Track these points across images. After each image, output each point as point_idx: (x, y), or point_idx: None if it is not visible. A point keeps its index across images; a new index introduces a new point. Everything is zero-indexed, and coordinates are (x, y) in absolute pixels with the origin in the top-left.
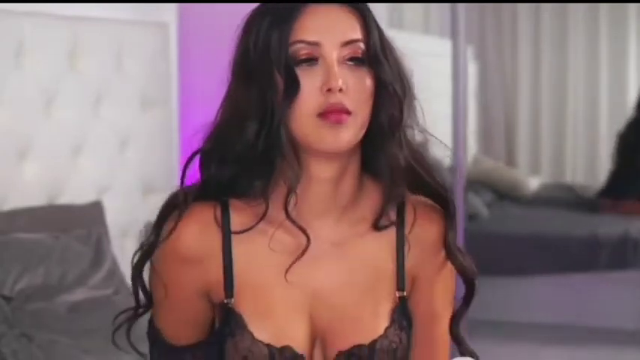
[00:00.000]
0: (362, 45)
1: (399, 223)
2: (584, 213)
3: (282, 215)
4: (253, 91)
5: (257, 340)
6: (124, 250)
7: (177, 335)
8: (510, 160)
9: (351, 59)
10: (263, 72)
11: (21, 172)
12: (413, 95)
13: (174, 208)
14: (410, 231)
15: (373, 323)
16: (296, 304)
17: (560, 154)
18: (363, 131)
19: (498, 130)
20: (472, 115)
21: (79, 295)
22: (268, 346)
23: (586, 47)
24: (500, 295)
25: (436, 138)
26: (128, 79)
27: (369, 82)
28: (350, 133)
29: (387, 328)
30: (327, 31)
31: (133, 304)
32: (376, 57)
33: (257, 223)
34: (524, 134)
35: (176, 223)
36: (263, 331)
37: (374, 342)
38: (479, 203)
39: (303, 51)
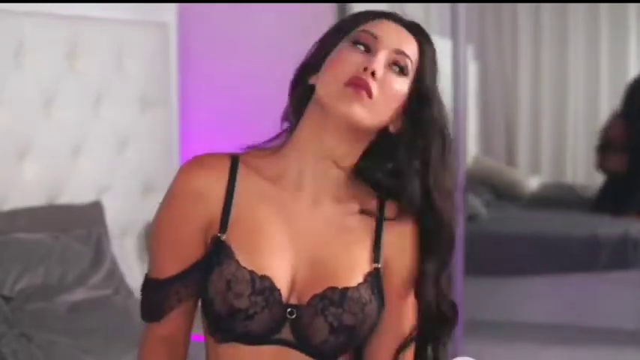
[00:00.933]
0: (410, 63)
1: (380, 213)
2: (584, 213)
3: (283, 175)
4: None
5: (241, 266)
6: (123, 250)
7: (163, 268)
8: (510, 160)
9: (396, 64)
10: (331, 38)
11: (21, 172)
12: (448, 141)
13: None
14: (389, 223)
15: (348, 276)
16: (281, 247)
17: (560, 154)
18: (375, 126)
19: (498, 130)
20: (472, 115)
21: (78, 295)
22: (251, 272)
23: (586, 47)
24: (500, 296)
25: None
26: (128, 79)
27: (403, 90)
28: (364, 111)
29: (360, 284)
30: (389, 35)
31: (131, 304)
32: (420, 78)
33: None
34: (524, 134)
35: (189, 163)
36: (248, 262)
37: (346, 289)
38: (478, 203)
39: (364, 37)
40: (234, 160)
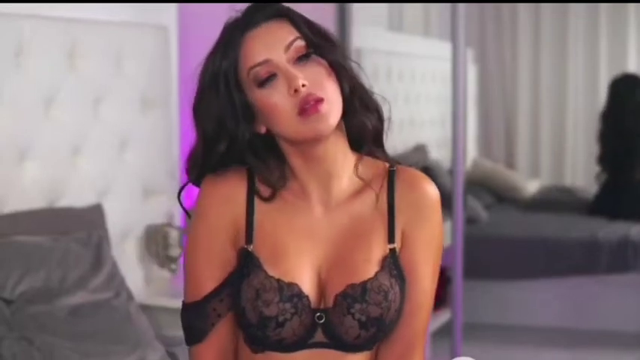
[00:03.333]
0: (301, 41)
1: (390, 186)
2: (584, 216)
3: (291, 189)
4: (219, 118)
5: (269, 275)
6: (124, 253)
7: (200, 287)
8: (510, 163)
9: (299, 58)
10: (224, 104)
11: (21, 174)
12: (349, 59)
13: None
14: (401, 193)
15: (365, 268)
16: (301, 255)
17: (559, 156)
18: (341, 107)
19: (498, 133)
20: (472, 118)
21: (79, 298)
22: (278, 280)
23: (586, 47)
24: (499, 298)
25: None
26: (128, 81)
27: (322, 66)
28: (331, 114)
29: (377, 272)
30: (270, 46)
31: (132, 307)
32: (316, 45)
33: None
34: (523, 137)
35: (209, 177)
36: (275, 271)
37: (365, 282)
38: (478, 206)
39: (261, 74)
40: (250, 172)
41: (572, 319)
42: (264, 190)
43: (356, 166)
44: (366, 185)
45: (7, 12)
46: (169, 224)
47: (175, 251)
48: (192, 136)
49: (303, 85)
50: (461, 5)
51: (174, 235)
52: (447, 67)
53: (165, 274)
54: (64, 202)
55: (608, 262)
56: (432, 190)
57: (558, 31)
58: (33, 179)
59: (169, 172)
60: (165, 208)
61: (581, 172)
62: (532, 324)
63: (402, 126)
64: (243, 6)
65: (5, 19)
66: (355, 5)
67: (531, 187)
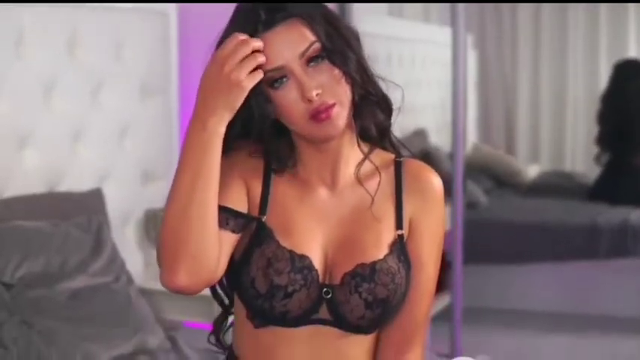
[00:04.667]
0: (316, 45)
1: (398, 176)
2: (584, 201)
3: (300, 167)
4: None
5: (281, 245)
6: (124, 238)
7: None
8: (510, 148)
9: (311, 60)
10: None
11: (21, 160)
12: (366, 62)
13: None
14: (408, 183)
15: (374, 250)
16: (312, 231)
17: (559, 141)
18: (349, 106)
19: (498, 118)
20: (472, 103)
21: (79, 282)
22: (290, 251)
23: (586, 33)
24: (499, 283)
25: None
26: (128, 68)
27: (336, 70)
28: (341, 118)
29: (386, 255)
30: (284, 52)
31: (132, 291)
32: (330, 51)
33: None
34: (523, 122)
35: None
36: (287, 242)
37: (374, 262)
38: (478, 191)
39: (274, 76)
40: (266, 149)
41: (572, 304)
42: (279, 182)
43: (360, 163)
44: (372, 173)
45: None
46: None
47: None
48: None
49: (317, 94)
50: None
51: None
52: (447, 52)
53: None
54: (64, 187)
55: (608, 247)
56: (437, 182)
57: (558, 17)
58: (33, 166)
59: (169, 157)
60: (164, 192)
61: (581, 158)
62: (532, 308)
63: (402, 111)
64: None
65: (5, 6)
66: (355, 5)
67: (531, 171)
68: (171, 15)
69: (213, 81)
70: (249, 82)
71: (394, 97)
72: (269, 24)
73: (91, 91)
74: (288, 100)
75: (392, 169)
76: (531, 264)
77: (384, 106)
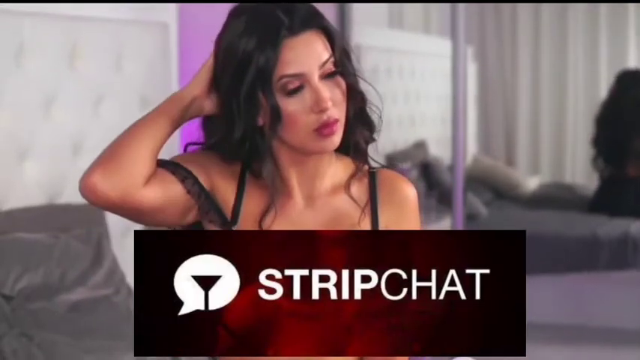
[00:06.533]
0: (333, 59)
1: (372, 187)
2: (584, 213)
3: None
4: (242, 112)
5: None
6: (124, 250)
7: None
8: (510, 160)
9: (328, 74)
10: (252, 100)
11: (21, 172)
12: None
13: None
14: (382, 193)
15: None
16: None
17: (559, 153)
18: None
19: (498, 130)
20: (472, 114)
21: (79, 294)
22: None
23: (586, 47)
24: None
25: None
26: (128, 80)
27: (343, 87)
28: (338, 136)
29: None
30: (306, 61)
31: (132, 304)
32: (344, 66)
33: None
34: (523, 134)
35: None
36: None
37: None
38: (478, 203)
39: (290, 85)
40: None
41: (572, 316)
42: (254, 194)
43: (352, 175)
44: (347, 184)
45: (7, 10)
46: None
47: None
48: (190, 134)
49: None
50: (460, 2)
51: None
52: (447, 64)
53: None
54: (64, 199)
55: (609, 259)
56: (411, 192)
57: (558, 30)
58: (33, 178)
59: None
60: None
61: (581, 169)
62: (532, 320)
63: (402, 123)
64: None
65: (6, 17)
66: (355, 5)
67: (531, 183)
68: (171, 27)
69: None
70: None
71: (388, 110)
72: (293, 30)
73: (92, 102)
74: (298, 108)
75: (366, 179)
76: (531, 276)
77: (369, 124)
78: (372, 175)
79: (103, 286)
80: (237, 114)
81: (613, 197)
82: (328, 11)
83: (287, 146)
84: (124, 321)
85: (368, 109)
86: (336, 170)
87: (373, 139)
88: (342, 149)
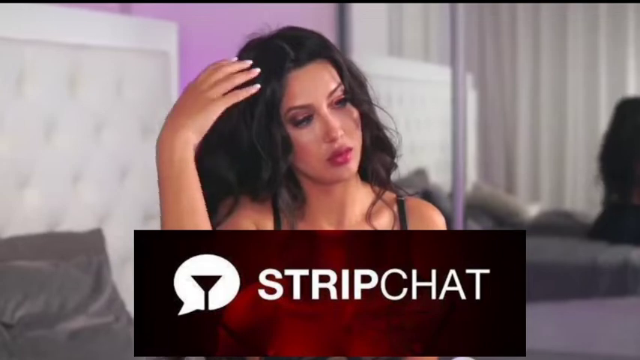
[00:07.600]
0: (342, 87)
1: (402, 216)
2: (584, 240)
3: (306, 210)
4: (265, 150)
5: None
6: (124, 278)
7: None
8: (510, 187)
9: (337, 102)
10: (263, 134)
11: (21, 199)
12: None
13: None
14: (412, 221)
15: None
16: None
17: (559, 181)
18: (360, 152)
19: (498, 157)
20: (472, 142)
21: (79, 322)
22: None
23: (586, 74)
24: None
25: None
26: (129, 107)
27: (355, 114)
28: (354, 164)
29: None
30: (313, 91)
31: (132, 332)
32: (354, 95)
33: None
34: (523, 161)
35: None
36: None
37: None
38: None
39: (299, 116)
40: (274, 200)
41: (572, 343)
42: (287, 223)
43: (373, 203)
44: (368, 213)
45: (8, 37)
46: None
47: None
48: None
49: (341, 135)
50: (460, 30)
51: None
52: (446, 91)
53: None
54: (65, 227)
55: (609, 286)
56: (440, 219)
57: (557, 56)
58: (34, 206)
59: None
60: None
61: (581, 197)
62: (531, 347)
63: (403, 150)
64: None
65: (6, 45)
66: (355, 30)
67: (531, 211)
68: (171, 54)
69: (187, 100)
70: (222, 103)
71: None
72: (299, 62)
73: (92, 130)
74: (309, 138)
75: (396, 208)
76: (531, 303)
77: (389, 149)
78: (400, 203)
79: (103, 314)
80: (264, 155)
81: (614, 224)
82: (328, 11)
83: (308, 177)
84: (124, 349)
85: (387, 135)
86: (364, 197)
87: (394, 165)
88: (365, 178)
